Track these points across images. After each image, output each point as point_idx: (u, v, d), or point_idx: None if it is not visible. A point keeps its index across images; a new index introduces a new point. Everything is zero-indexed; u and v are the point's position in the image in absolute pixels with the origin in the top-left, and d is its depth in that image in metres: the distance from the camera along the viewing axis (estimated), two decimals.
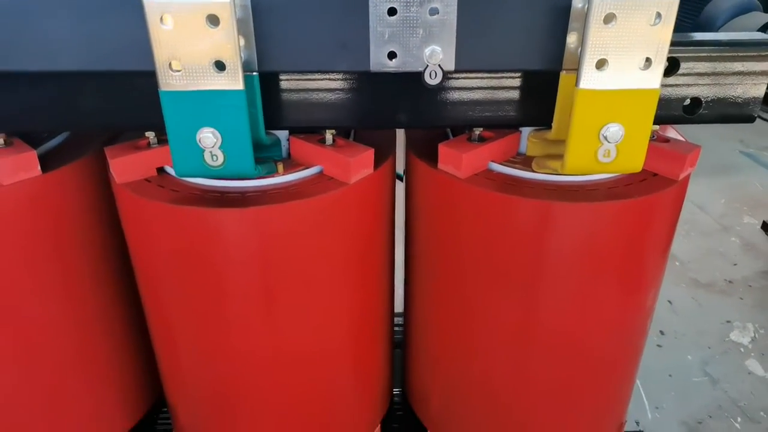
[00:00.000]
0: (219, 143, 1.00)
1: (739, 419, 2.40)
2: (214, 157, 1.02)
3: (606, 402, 1.57)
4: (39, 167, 1.22)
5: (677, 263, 3.32)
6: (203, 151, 1.02)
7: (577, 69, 0.99)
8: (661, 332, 2.85)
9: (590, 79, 0.97)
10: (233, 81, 0.96)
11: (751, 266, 3.40)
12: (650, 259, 1.31)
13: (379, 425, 1.70)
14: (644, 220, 1.23)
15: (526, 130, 1.29)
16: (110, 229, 1.42)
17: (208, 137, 0.99)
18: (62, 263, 1.33)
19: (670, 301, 3.06)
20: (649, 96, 0.98)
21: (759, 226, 3.80)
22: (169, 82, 0.96)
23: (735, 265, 3.39)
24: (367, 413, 1.63)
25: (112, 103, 1.13)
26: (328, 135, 1.24)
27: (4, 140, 1.22)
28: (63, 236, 1.31)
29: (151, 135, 1.23)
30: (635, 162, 1.04)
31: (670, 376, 2.61)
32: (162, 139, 1.24)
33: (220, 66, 0.95)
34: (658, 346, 2.77)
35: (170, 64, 0.94)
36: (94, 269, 1.41)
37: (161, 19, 0.90)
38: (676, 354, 2.75)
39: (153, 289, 1.37)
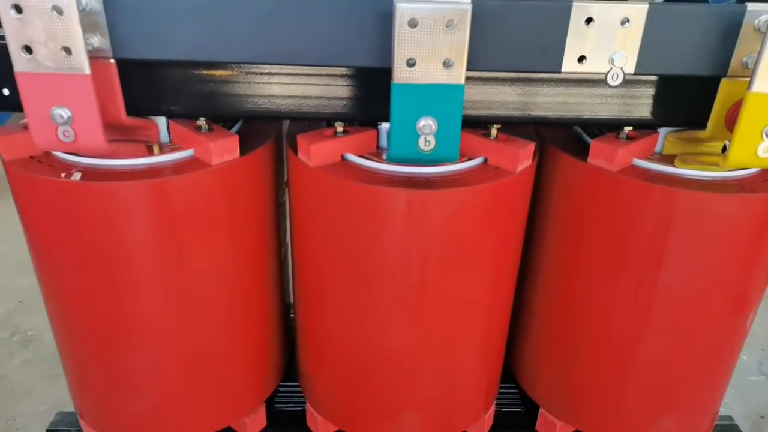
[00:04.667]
0: (435, 130, 1.16)
1: None
2: (428, 143, 1.18)
3: (712, 386, 1.72)
4: (238, 150, 1.37)
5: None
6: (419, 137, 1.17)
7: (744, 76, 1.16)
8: None
9: (762, 84, 1.12)
10: (457, 76, 1.12)
11: None
12: None
13: (494, 403, 1.84)
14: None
15: (663, 132, 1.45)
16: (272, 208, 1.57)
17: (429, 125, 1.15)
18: (238, 238, 1.47)
19: None
20: None
21: None
22: (403, 75, 1.11)
23: None
24: (487, 393, 1.77)
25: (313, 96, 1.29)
26: (494, 130, 1.40)
27: (208, 125, 1.37)
28: (243, 213, 1.46)
29: (339, 126, 1.38)
30: None
31: None
32: (346, 130, 1.39)
33: (447, 63, 1.10)
34: None
35: (406, 61, 1.10)
36: (259, 245, 1.55)
37: (408, 22, 1.06)
38: None
39: (317, 263, 1.50)
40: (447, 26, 1.07)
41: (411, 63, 1.10)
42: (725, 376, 1.74)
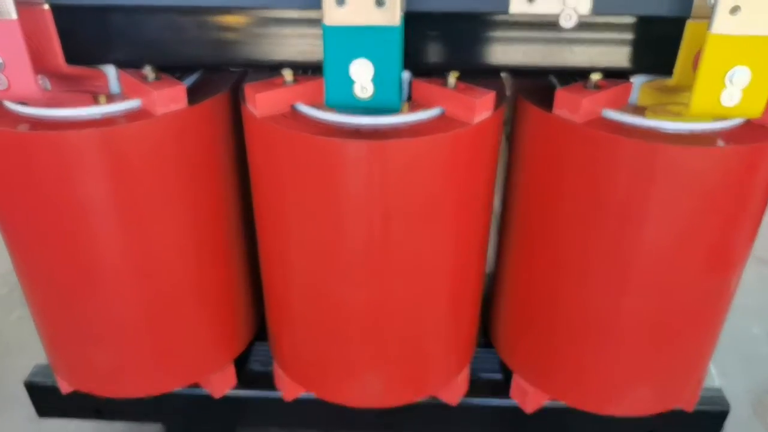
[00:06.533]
0: (371, 76, 1.10)
1: None
2: (364, 90, 1.12)
3: (694, 352, 1.63)
4: (186, 100, 1.33)
5: None
6: (354, 83, 1.12)
7: (708, 16, 1.06)
8: None
9: (723, 24, 1.03)
10: (391, 17, 1.05)
11: None
12: (751, 206, 1.36)
13: (467, 367, 1.79)
14: (750, 167, 1.28)
15: (637, 81, 1.36)
16: (232, 162, 1.54)
17: (362, 69, 1.09)
18: (193, 190, 1.44)
19: None
20: None
21: None
22: (334, 16, 1.05)
23: None
24: (458, 355, 1.73)
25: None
26: (452, 78, 1.33)
27: (155, 75, 1.34)
28: (197, 165, 1.42)
29: (287, 74, 1.33)
30: (757, 107, 1.10)
31: (736, 346, 2.65)
32: (296, 79, 1.34)
33: (380, 3, 1.04)
34: None
35: (336, 0, 1.04)
36: (218, 198, 1.53)
37: None
38: (742, 326, 2.78)
39: (273, 218, 1.46)
40: None
41: (341, 2, 1.04)
42: (709, 341, 1.66)
